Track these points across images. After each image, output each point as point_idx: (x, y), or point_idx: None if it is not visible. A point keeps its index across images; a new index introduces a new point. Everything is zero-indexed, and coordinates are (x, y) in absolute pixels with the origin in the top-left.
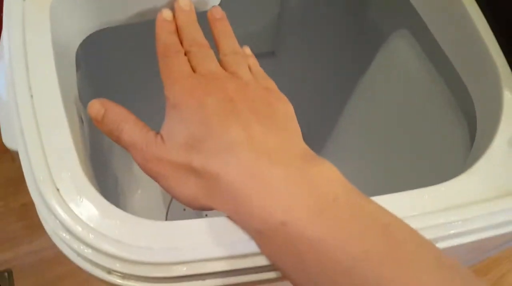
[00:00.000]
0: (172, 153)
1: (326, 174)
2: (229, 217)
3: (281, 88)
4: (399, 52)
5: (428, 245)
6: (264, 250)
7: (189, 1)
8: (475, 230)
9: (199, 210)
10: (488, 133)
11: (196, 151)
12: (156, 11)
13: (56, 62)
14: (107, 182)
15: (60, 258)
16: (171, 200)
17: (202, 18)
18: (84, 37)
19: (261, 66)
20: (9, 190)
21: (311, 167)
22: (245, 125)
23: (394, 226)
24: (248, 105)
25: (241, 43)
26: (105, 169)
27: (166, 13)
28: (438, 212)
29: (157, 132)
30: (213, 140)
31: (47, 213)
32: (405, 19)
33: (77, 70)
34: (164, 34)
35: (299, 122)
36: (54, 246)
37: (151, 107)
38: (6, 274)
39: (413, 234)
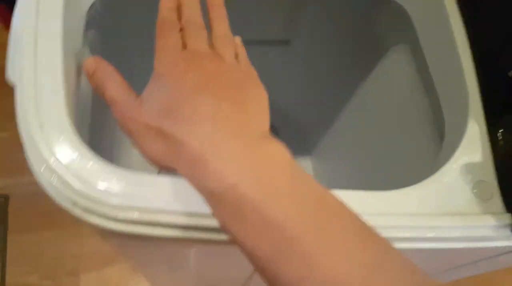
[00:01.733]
0: (147, 115)
1: (278, 151)
2: (184, 175)
3: (294, 75)
4: (396, 65)
5: (352, 215)
6: (214, 211)
7: None
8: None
9: (161, 169)
10: (447, 155)
11: (167, 118)
12: None
13: (65, 10)
14: (104, 140)
15: None
16: None
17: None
18: None
19: (275, 54)
20: (15, 122)
21: (266, 144)
22: (215, 102)
23: (327, 198)
24: (223, 85)
25: (258, 30)
26: (104, 128)
27: None
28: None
29: (138, 96)
30: (184, 111)
31: (30, 144)
32: (407, 36)
33: (91, 28)
34: (166, 9)
35: (310, 108)
36: None
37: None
38: (2, 199)
39: (343, 208)
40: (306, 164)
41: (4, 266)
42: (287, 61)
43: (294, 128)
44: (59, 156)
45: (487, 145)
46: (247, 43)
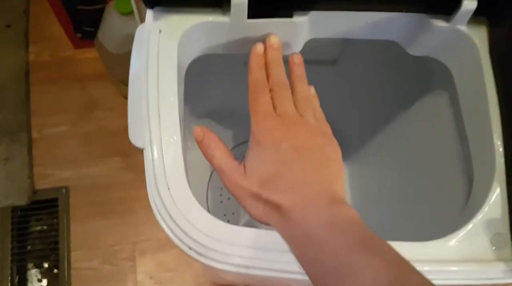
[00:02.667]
0: (250, 184)
1: (348, 214)
2: (277, 229)
3: (339, 92)
4: (435, 107)
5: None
6: (296, 252)
7: (279, 40)
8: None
9: (261, 223)
10: (474, 206)
11: (267, 186)
12: (249, 46)
13: (178, 82)
14: None
15: (113, 184)
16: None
17: None
18: (192, 59)
19: (320, 73)
20: (77, 116)
21: (338, 206)
22: (304, 174)
23: (372, 238)
24: (310, 155)
25: (309, 51)
26: None
27: (260, 48)
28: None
29: (240, 162)
30: (280, 181)
31: (160, 204)
32: (448, 86)
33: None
34: (256, 69)
35: (352, 122)
36: (110, 174)
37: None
38: (64, 190)
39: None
40: (344, 169)
41: (69, 252)
42: (332, 80)
43: (337, 138)
44: (184, 212)
45: (506, 204)
46: None
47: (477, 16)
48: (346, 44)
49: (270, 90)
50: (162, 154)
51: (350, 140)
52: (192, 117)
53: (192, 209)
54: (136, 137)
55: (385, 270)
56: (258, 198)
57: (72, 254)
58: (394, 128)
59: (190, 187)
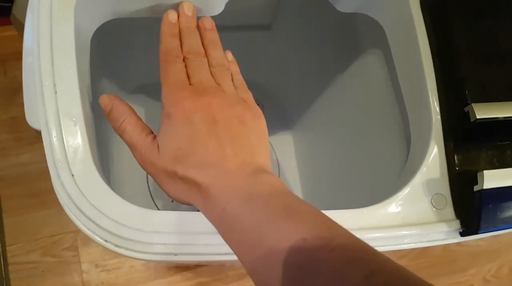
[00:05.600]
0: (164, 162)
1: (269, 183)
2: (200, 210)
3: (277, 57)
4: (371, 65)
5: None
6: (220, 233)
7: (192, 7)
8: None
9: (182, 203)
10: (412, 167)
11: (181, 164)
12: (162, 10)
13: (76, 52)
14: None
15: (46, 173)
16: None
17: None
18: (99, 25)
19: (257, 38)
20: (0, 101)
21: (258, 179)
22: (221, 148)
23: (296, 204)
24: (227, 126)
25: (241, 15)
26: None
27: (172, 15)
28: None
29: (154, 137)
30: (195, 157)
31: (64, 194)
32: (382, 44)
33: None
34: (168, 37)
35: (292, 88)
36: (41, 161)
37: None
38: None
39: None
40: (287, 138)
41: (4, 246)
42: (269, 45)
43: (277, 105)
44: (92, 202)
45: (444, 163)
46: (231, 28)
47: None
48: (280, 7)
49: (184, 59)
50: (62, 136)
51: (292, 106)
52: (122, 93)
53: (102, 197)
54: (32, 118)
55: (309, 233)
56: (174, 176)
57: (8, 248)
58: (333, 92)
59: (123, 168)
